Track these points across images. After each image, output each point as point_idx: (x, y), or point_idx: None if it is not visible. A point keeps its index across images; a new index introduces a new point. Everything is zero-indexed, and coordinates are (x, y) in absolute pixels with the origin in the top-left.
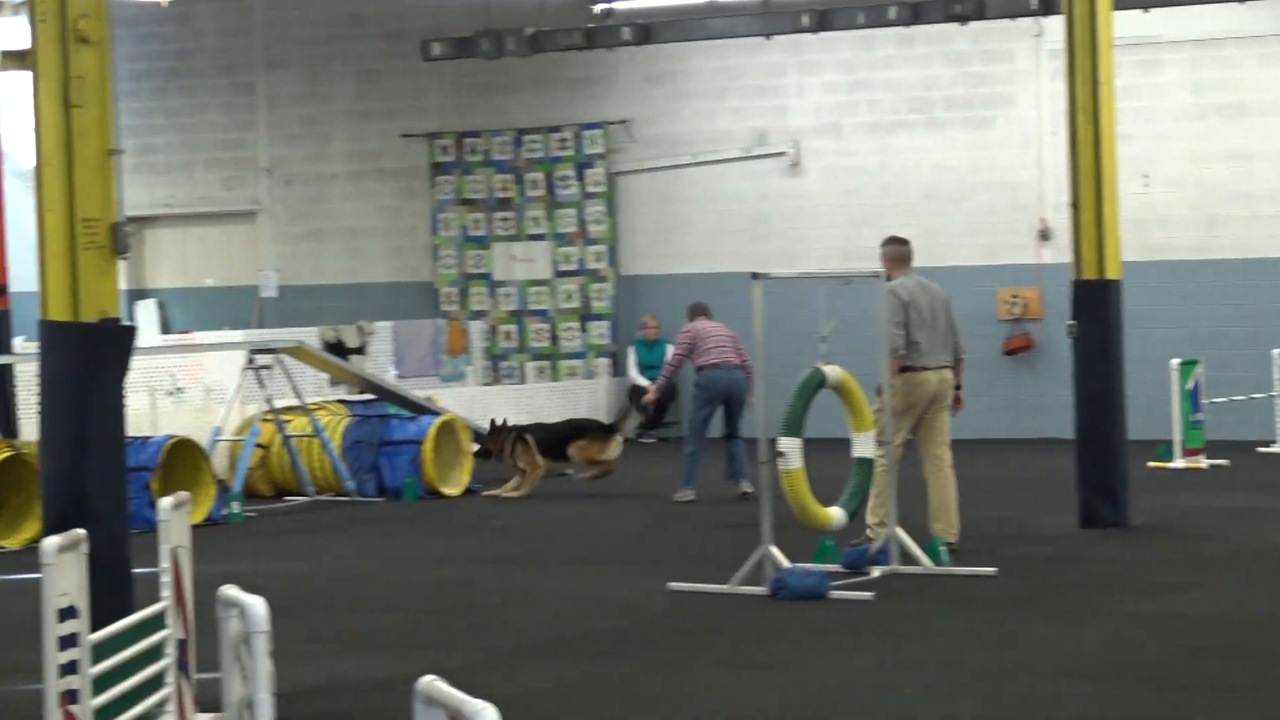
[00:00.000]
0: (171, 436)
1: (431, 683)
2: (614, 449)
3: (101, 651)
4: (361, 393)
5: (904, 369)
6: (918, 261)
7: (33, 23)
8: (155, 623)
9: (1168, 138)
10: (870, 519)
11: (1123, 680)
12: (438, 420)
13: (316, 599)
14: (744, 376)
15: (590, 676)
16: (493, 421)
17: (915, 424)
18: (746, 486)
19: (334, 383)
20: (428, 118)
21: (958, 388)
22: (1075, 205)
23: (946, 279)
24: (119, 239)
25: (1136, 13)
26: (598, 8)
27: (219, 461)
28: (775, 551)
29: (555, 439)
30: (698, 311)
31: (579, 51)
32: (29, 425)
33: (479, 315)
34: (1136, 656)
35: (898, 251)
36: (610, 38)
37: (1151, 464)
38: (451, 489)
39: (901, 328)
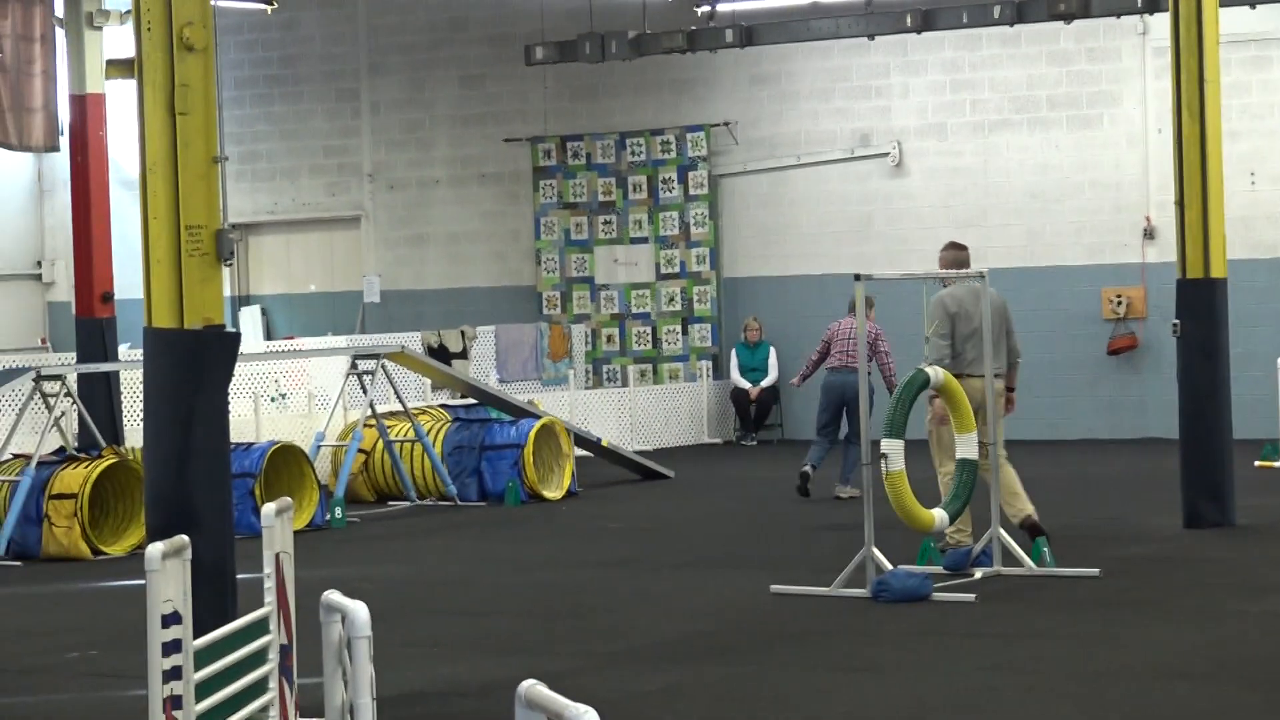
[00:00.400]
0: (275, 442)
1: (533, 686)
2: None
3: (204, 657)
4: (463, 397)
5: (955, 376)
6: (1022, 261)
7: (138, 31)
8: (258, 628)
9: (1276, 135)
10: (950, 527)
11: (1227, 680)
12: (538, 424)
13: (418, 603)
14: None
15: (694, 680)
16: None
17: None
18: (842, 491)
19: (436, 387)
20: (530, 122)
21: (1010, 389)
22: (1180, 204)
23: (1051, 278)
24: (223, 245)
25: (1244, 9)
26: (701, 10)
27: (322, 467)
28: (878, 554)
29: None
30: (853, 306)
31: (682, 54)
32: (134, 432)
33: (581, 319)
34: (1241, 656)
35: (955, 257)
36: (713, 40)
37: (1258, 463)
38: (553, 492)
39: (947, 339)
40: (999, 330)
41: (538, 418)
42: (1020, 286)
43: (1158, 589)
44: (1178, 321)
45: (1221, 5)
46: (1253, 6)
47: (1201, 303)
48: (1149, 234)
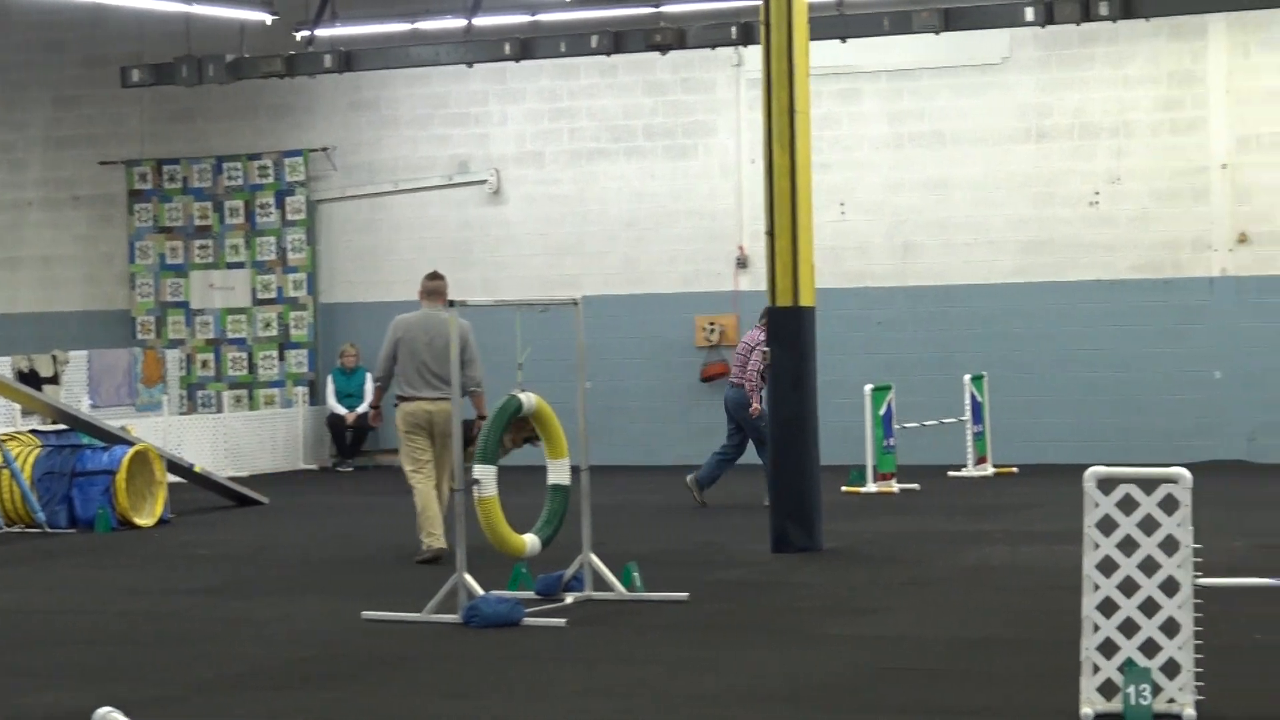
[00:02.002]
0: None
1: (109, 713)
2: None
3: None
4: (54, 423)
5: (400, 398)
6: (618, 289)
7: None
8: None
9: (865, 166)
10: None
11: (814, 703)
12: (131, 450)
13: (2, 632)
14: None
15: (286, 706)
16: None
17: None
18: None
19: (26, 413)
20: (126, 144)
21: (481, 417)
22: (771, 233)
23: (645, 306)
24: None
25: (834, 43)
26: (299, 35)
27: None
28: (469, 579)
29: None
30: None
31: (280, 79)
32: None
33: (176, 344)
34: (827, 679)
35: (427, 286)
36: (312, 65)
37: (845, 489)
38: (145, 519)
39: (388, 360)
40: (454, 358)
41: (130, 444)
42: (616, 314)
43: (745, 613)
44: (768, 349)
45: (812, 38)
46: (844, 40)
47: (790, 330)
48: (742, 263)
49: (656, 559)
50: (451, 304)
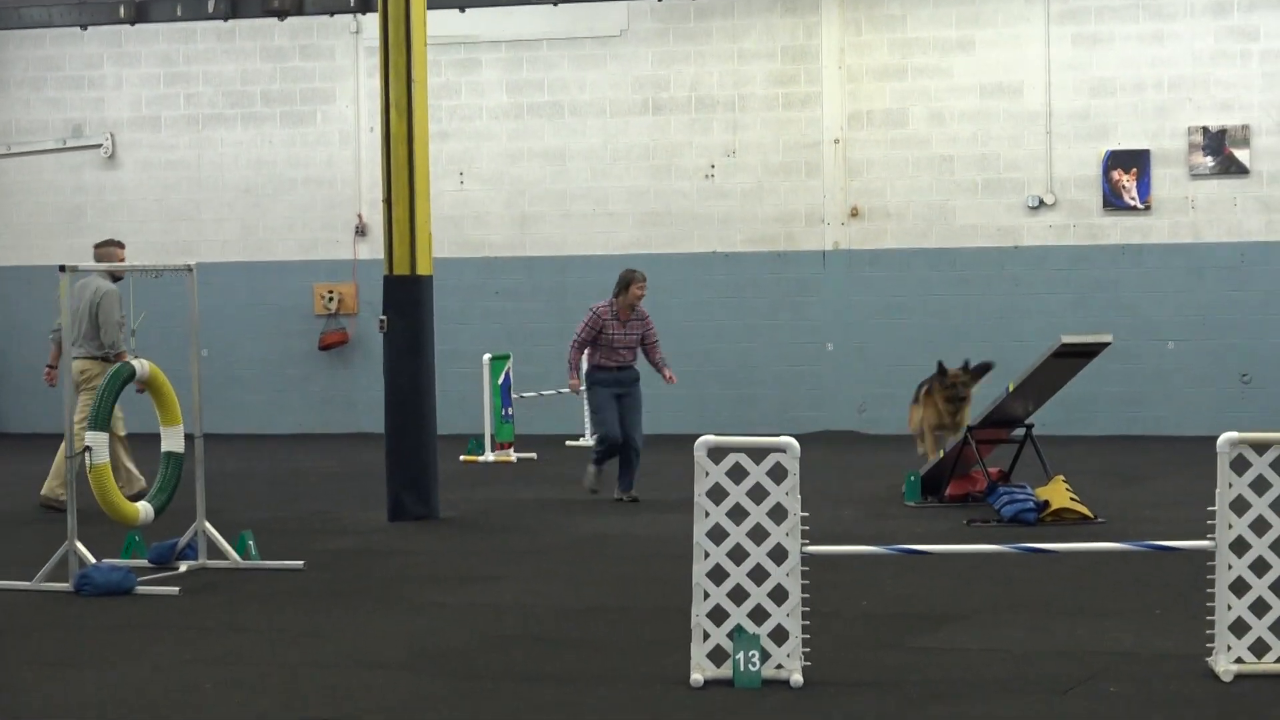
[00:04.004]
0: None
1: None
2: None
3: None
4: None
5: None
6: (236, 256)
7: None
8: None
9: (484, 136)
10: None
11: (425, 670)
12: None
13: None
14: None
15: None
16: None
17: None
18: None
19: None
20: None
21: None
22: (388, 201)
23: (263, 274)
24: None
25: (453, 12)
26: None
27: None
28: (80, 547)
29: None
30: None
31: None
32: None
33: None
34: (439, 647)
35: (95, 253)
36: None
37: (463, 458)
38: None
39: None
40: (90, 320)
41: None
42: (233, 281)
43: (360, 581)
44: (384, 317)
45: (430, 7)
46: (462, 10)
47: (408, 299)
48: (361, 231)
49: (272, 527)
50: (63, 269)
